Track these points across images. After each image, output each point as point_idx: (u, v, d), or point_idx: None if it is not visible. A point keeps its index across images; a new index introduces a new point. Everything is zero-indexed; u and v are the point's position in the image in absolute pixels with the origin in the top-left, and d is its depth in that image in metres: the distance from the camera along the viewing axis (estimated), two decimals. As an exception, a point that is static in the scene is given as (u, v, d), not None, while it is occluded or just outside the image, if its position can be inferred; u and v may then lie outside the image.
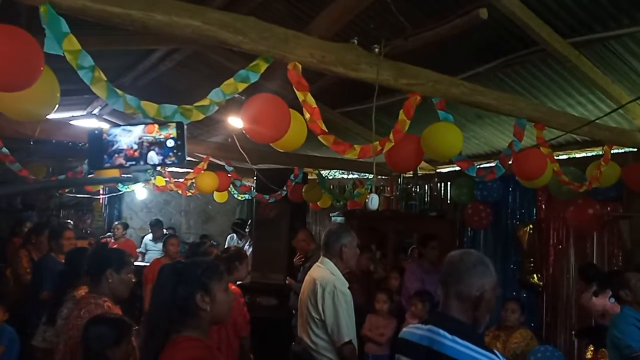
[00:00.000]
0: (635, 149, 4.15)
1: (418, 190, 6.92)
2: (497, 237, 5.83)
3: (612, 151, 4.06)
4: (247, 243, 7.38)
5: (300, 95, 2.55)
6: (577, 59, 3.50)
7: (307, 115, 2.62)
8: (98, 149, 1.73)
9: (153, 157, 1.74)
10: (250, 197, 6.75)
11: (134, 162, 1.75)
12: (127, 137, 1.76)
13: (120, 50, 5.17)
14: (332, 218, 7.47)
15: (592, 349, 3.79)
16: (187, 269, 1.89)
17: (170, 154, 1.75)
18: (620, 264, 4.65)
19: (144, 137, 1.76)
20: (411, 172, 6.65)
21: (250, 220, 8.09)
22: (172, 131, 1.76)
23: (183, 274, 1.86)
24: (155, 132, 1.75)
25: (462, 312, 1.87)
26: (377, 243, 6.17)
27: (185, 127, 1.78)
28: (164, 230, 8.76)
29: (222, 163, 5.95)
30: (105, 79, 1.98)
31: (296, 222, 6.46)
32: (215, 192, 6.43)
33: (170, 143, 1.74)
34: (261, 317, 4.82)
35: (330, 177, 8.54)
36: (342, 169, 7.77)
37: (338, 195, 7.19)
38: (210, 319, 1.88)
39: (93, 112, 8.00)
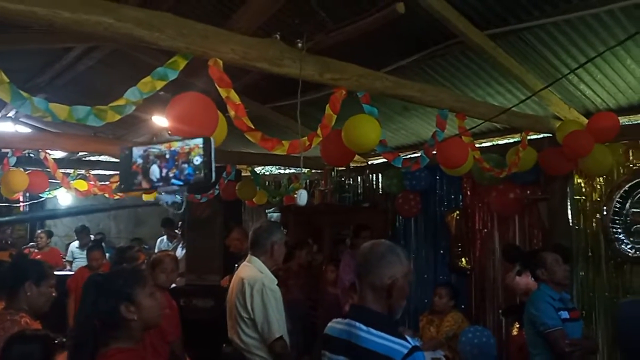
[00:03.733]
0: (550, 135, 4.39)
1: (351, 182, 7.01)
2: (427, 225, 6.02)
3: (529, 137, 4.28)
4: (180, 245, 7.18)
5: (223, 92, 2.50)
6: (493, 50, 3.63)
7: (232, 112, 2.58)
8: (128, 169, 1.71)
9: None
10: (180, 198, 6.53)
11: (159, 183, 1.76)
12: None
13: (34, 49, 4.87)
14: (268, 214, 7.43)
15: (517, 326, 3.98)
16: (107, 281, 1.84)
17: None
18: (540, 244, 4.91)
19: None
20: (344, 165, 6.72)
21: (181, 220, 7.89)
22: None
23: (103, 287, 1.81)
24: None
25: (377, 302, 1.90)
26: (313, 237, 6.20)
27: (212, 142, 1.73)
28: (92, 237, 8.38)
29: (150, 164, 5.75)
30: (7, 80, 1.85)
31: (231, 220, 6.37)
32: (143, 194, 6.20)
33: (197, 160, 1.73)
34: (198, 319, 4.72)
35: (267, 173, 8.48)
36: (274, 165, 7.73)
37: (273, 191, 7.15)
38: (141, 326, 1.85)
39: (8, 115, 7.52)
